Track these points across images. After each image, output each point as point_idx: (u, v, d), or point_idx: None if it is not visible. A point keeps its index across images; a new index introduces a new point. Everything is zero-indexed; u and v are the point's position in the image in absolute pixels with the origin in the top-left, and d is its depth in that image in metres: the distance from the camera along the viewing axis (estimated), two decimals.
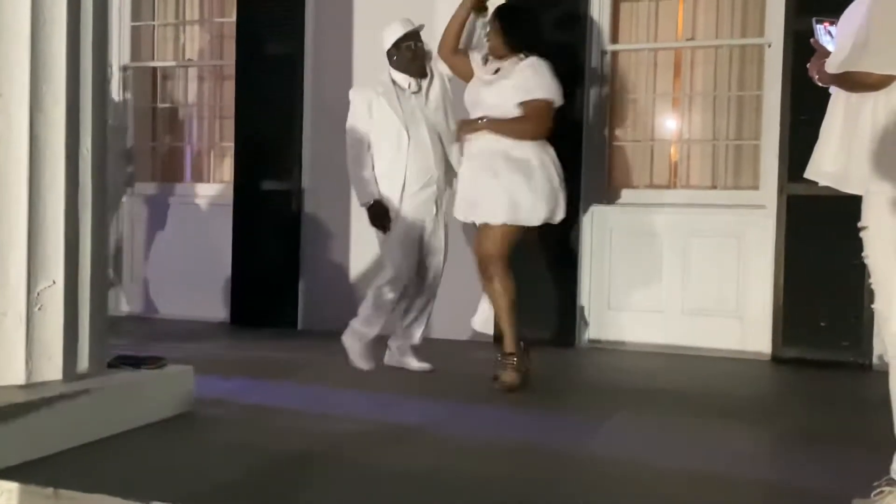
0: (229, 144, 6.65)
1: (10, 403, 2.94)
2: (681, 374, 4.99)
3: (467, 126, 4.46)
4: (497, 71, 4.45)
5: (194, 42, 7.10)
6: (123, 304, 6.86)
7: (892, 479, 2.49)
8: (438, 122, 4.71)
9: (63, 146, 3.19)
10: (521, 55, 4.42)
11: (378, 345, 4.82)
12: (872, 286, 2.57)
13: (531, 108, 4.36)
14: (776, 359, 5.31)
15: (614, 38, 5.87)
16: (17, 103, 3.12)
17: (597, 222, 5.78)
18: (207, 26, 7.01)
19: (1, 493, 2.62)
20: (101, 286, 3.47)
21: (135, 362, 3.64)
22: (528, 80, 4.36)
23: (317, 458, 3.14)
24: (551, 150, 4.42)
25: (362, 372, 4.67)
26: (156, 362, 3.68)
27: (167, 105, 7.13)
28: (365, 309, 4.75)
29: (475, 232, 4.56)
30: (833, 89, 2.63)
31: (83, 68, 3.29)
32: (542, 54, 4.44)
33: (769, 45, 5.48)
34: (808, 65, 2.67)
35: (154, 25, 7.07)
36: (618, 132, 5.96)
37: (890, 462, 2.51)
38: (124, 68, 6.95)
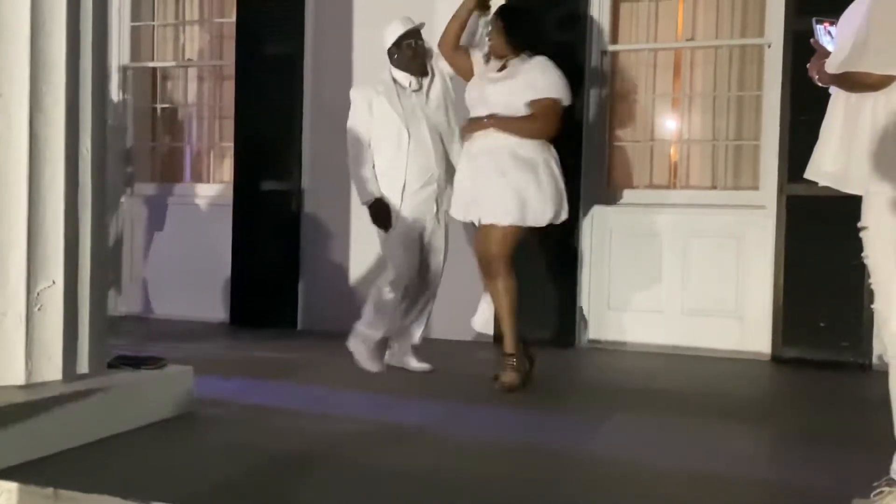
0: (229, 145, 6.65)
1: (10, 404, 2.94)
2: (681, 375, 4.99)
3: (475, 123, 4.42)
4: (502, 69, 4.44)
5: (194, 42, 7.10)
6: (123, 304, 6.86)
7: (892, 479, 2.49)
8: (439, 120, 4.71)
9: (63, 146, 3.19)
10: (525, 54, 4.42)
11: (384, 345, 4.81)
12: (872, 286, 2.57)
13: (541, 107, 4.35)
14: (776, 359, 5.31)
15: (614, 39, 5.87)
16: (17, 103, 3.12)
17: (597, 222, 5.78)
18: (207, 26, 7.01)
19: (1, 493, 2.62)
20: (101, 286, 3.47)
21: (135, 363, 3.64)
22: (537, 79, 4.36)
23: (317, 458, 3.14)
24: (553, 150, 4.42)
25: (362, 372, 4.67)
26: (156, 363, 3.68)
27: (167, 105, 7.13)
28: (368, 311, 4.74)
29: (475, 231, 4.54)
30: (833, 89, 2.62)
31: (83, 68, 3.28)
32: (542, 54, 4.44)
33: (769, 46, 5.48)
34: (807, 65, 2.67)
35: (154, 26, 7.07)
36: (618, 132, 5.96)
37: (890, 462, 2.51)
38: (124, 68, 6.95)
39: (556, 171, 4.39)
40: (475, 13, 4.60)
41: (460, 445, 3.35)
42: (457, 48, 4.60)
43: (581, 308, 5.77)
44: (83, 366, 3.32)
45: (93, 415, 3.19)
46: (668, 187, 5.90)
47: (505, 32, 4.41)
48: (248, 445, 3.26)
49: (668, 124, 5.98)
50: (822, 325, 5.15)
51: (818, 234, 5.08)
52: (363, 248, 5.95)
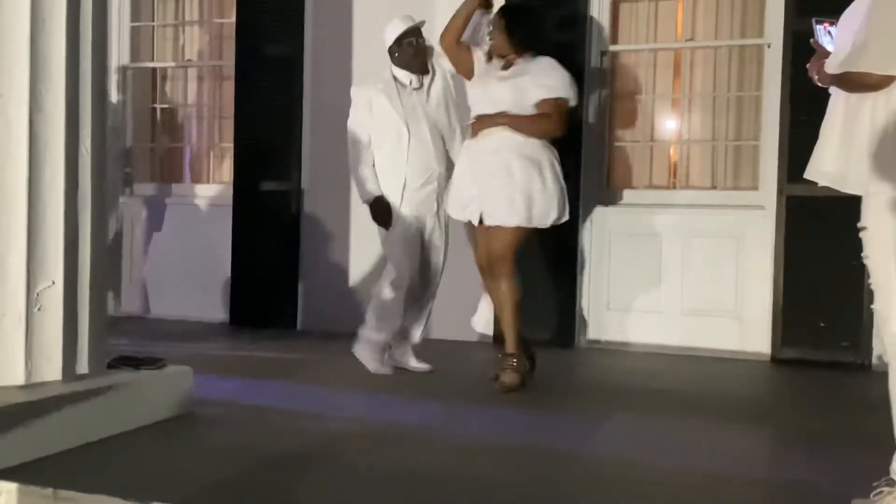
0: (229, 145, 6.65)
1: (10, 404, 2.94)
2: (680, 375, 4.99)
3: (485, 120, 4.36)
4: (506, 67, 4.43)
5: (194, 43, 7.10)
6: (123, 304, 6.86)
7: (892, 480, 2.49)
8: (440, 118, 4.70)
9: (62, 147, 3.19)
10: (529, 54, 4.41)
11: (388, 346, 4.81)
12: (872, 286, 2.57)
13: (553, 106, 4.34)
14: (776, 359, 5.31)
15: (614, 39, 5.87)
16: (17, 104, 3.12)
17: (596, 223, 5.78)
18: (207, 27, 7.01)
19: (1, 493, 2.62)
20: (101, 286, 3.46)
21: (134, 363, 3.64)
22: (549, 78, 4.35)
23: (317, 458, 3.14)
24: (555, 150, 4.41)
25: (361, 372, 4.66)
26: (155, 363, 3.68)
27: (166, 106, 7.13)
28: (372, 315, 4.72)
29: (475, 230, 4.48)
30: (833, 90, 2.62)
31: (83, 69, 3.29)
32: (543, 54, 4.44)
33: (768, 46, 5.48)
34: (807, 65, 2.67)
35: (153, 26, 7.07)
36: (617, 132, 5.96)
37: (890, 462, 2.50)
38: (124, 69, 6.95)
39: (559, 171, 4.39)
40: (478, 10, 4.58)
41: (460, 445, 3.35)
42: (459, 43, 4.58)
43: (581, 308, 5.77)
44: (83, 366, 3.32)
45: (92, 415, 3.19)
46: (667, 187, 5.90)
47: (507, 31, 4.40)
48: (248, 445, 3.26)
49: (668, 124, 5.98)
50: (822, 325, 5.15)
51: (818, 234, 5.08)
52: (363, 248, 5.95)
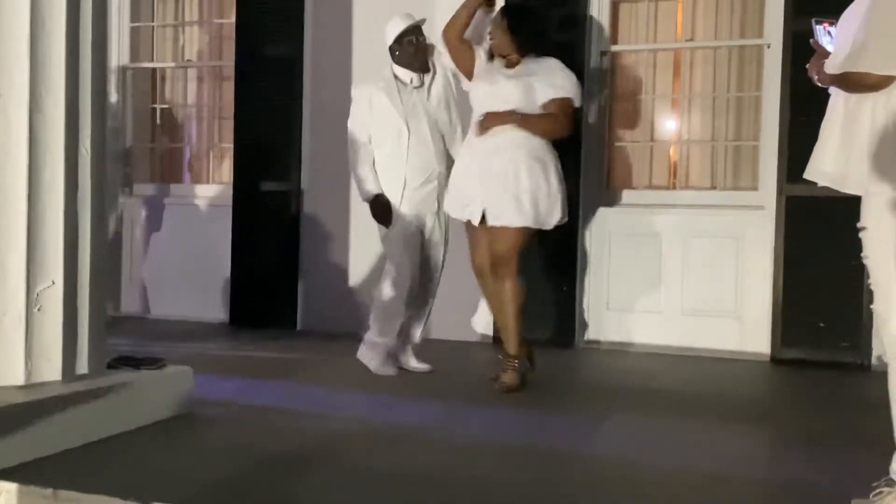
0: (228, 145, 6.65)
1: (10, 404, 2.94)
2: (680, 375, 4.99)
3: (495, 118, 4.31)
4: (510, 66, 4.42)
5: (193, 43, 7.10)
6: (122, 305, 6.86)
7: (892, 480, 2.49)
8: (440, 117, 4.69)
9: (62, 147, 3.19)
10: (533, 54, 4.41)
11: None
12: (872, 287, 2.58)
13: (561, 107, 4.35)
14: (775, 359, 5.31)
15: (614, 39, 5.87)
16: (17, 104, 3.12)
17: (596, 223, 5.78)
18: (207, 27, 7.01)
19: (1, 493, 2.62)
20: (101, 286, 3.46)
21: (134, 363, 3.64)
22: (558, 78, 4.35)
23: (317, 458, 3.14)
24: (555, 151, 4.41)
25: (361, 372, 4.66)
26: (155, 363, 3.68)
27: (166, 106, 7.13)
28: (375, 319, 4.71)
29: (475, 230, 4.46)
30: (833, 90, 2.63)
31: (82, 69, 3.28)
32: (544, 54, 4.44)
33: (768, 46, 5.48)
34: (807, 65, 2.67)
35: (153, 26, 7.07)
36: (617, 133, 5.96)
37: (889, 462, 2.51)
38: (123, 69, 6.95)
39: (560, 171, 4.39)
40: (480, 8, 4.57)
41: (460, 445, 3.35)
42: (462, 40, 4.55)
43: (581, 309, 5.77)
44: (83, 366, 3.32)
45: (92, 415, 3.19)
46: (667, 188, 5.90)
47: (509, 31, 4.39)
48: (248, 445, 3.26)
49: (668, 125, 5.99)
50: (821, 325, 5.16)
51: (818, 234, 5.08)
52: (363, 248, 5.95)
